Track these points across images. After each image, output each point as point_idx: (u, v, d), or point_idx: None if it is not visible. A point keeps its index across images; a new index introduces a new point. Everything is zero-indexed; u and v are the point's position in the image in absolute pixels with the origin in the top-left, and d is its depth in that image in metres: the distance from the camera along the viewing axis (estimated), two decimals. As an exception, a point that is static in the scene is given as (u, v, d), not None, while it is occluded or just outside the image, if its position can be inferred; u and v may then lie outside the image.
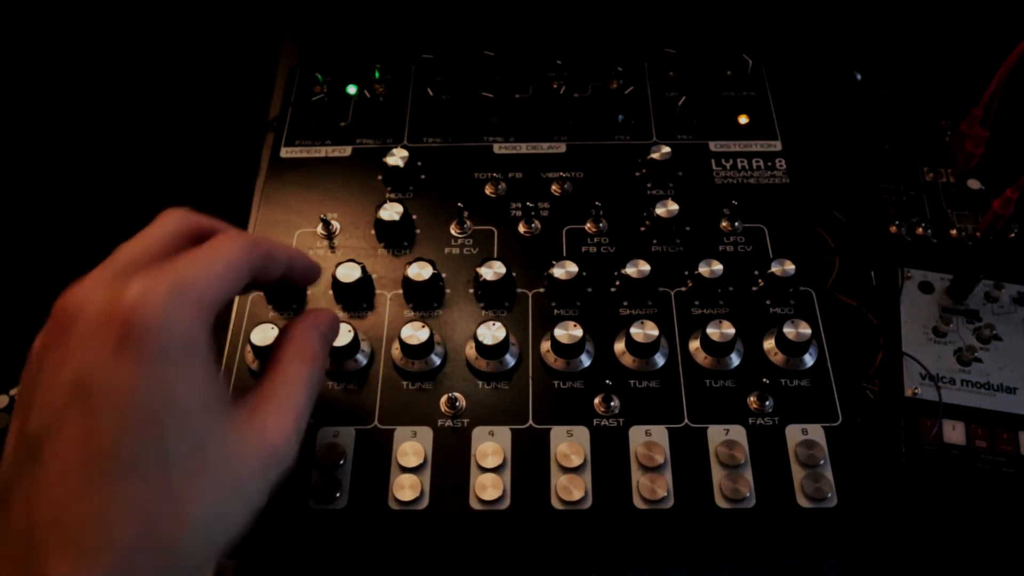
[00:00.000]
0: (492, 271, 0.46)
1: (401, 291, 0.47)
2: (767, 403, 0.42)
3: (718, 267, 0.46)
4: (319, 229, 0.50)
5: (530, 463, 0.41)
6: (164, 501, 0.28)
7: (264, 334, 0.43)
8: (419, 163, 0.53)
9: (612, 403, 0.43)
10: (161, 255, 0.32)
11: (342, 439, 0.42)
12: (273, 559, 0.46)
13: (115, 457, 0.27)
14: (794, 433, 0.42)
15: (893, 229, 0.54)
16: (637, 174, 0.52)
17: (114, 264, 0.31)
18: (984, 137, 0.55)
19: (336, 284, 0.46)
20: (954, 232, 0.54)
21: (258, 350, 0.43)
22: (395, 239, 0.49)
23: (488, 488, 0.40)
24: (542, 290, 0.47)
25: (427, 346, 0.43)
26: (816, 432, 0.42)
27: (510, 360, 0.44)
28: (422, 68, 0.58)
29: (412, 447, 0.41)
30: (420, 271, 0.45)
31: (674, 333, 0.45)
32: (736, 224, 0.49)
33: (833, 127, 0.59)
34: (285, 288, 0.39)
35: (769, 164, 0.53)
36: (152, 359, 0.28)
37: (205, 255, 0.31)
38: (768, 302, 0.46)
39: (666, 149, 0.52)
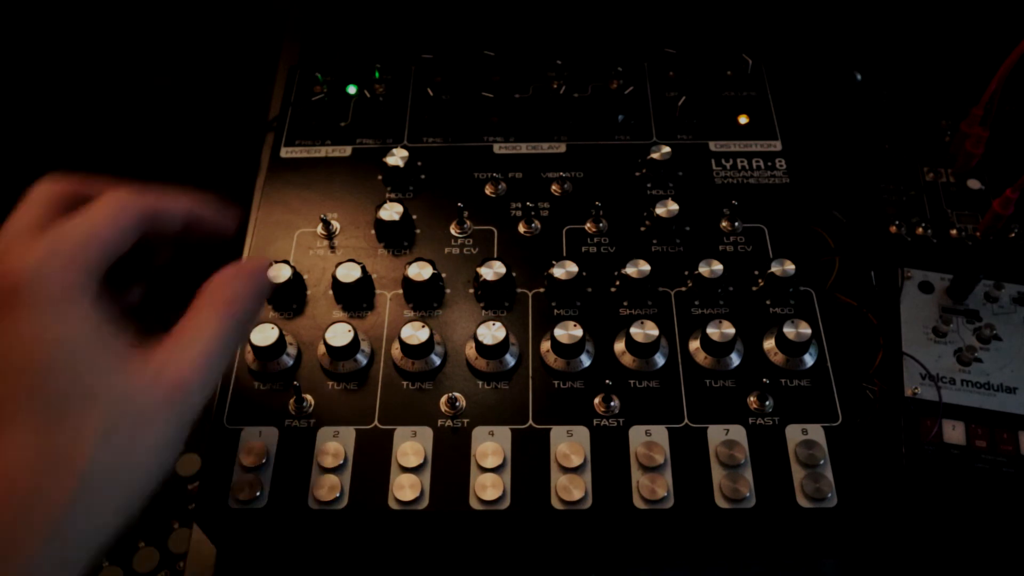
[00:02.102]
0: (492, 271, 0.46)
1: (401, 291, 0.47)
2: (767, 403, 0.42)
3: (718, 267, 0.46)
4: (319, 229, 0.50)
5: (530, 463, 0.41)
6: (59, 438, 0.28)
7: (264, 334, 0.43)
8: (419, 163, 0.53)
9: (612, 403, 0.43)
10: (38, 225, 0.32)
11: (342, 439, 0.42)
12: (274, 559, 0.46)
13: (2, 406, 0.29)
14: (794, 433, 0.42)
15: (893, 229, 0.54)
16: (637, 174, 0.52)
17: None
18: (984, 137, 0.55)
19: (336, 284, 0.46)
20: (954, 232, 0.54)
21: (258, 350, 0.43)
22: (395, 239, 0.49)
23: (488, 488, 0.40)
24: (542, 290, 0.47)
25: (427, 346, 0.43)
26: (816, 432, 0.42)
27: (510, 360, 0.44)
28: (422, 68, 0.58)
29: (412, 447, 0.41)
30: (420, 271, 0.45)
31: (674, 333, 0.45)
32: (736, 224, 0.49)
33: (833, 127, 0.59)
34: (200, 243, 0.38)
35: (769, 164, 0.53)
36: (28, 314, 0.29)
37: (82, 216, 0.32)
38: (768, 302, 0.46)
39: (666, 149, 0.52)
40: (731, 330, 0.43)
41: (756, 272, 0.47)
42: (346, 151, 0.54)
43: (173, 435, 0.31)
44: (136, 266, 0.37)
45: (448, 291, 0.47)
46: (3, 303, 0.30)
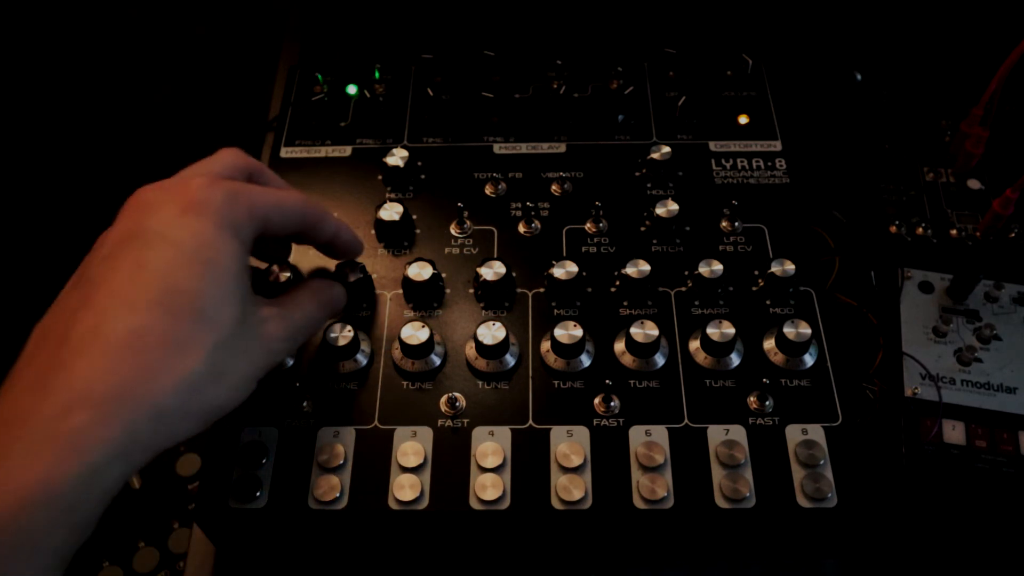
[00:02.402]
0: (492, 271, 0.46)
1: (401, 291, 0.47)
2: (767, 403, 0.42)
3: (718, 267, 0.46)
4: (319, 229, 0.50)
5: (530, 463, 0.41)
6: (182, 337, 0.33)
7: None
8: (419, 163, 0.53)
9: (612, 403, 0.43)
10: (223, 175, 0.38)
11: (342, 439, 0.42)
12: (274, 559, 0.46)
13: (155, 290, 0.33)
14: (794, 433, 0.42)
15: (893, 229, 0.54)
16: (637, 174, 0.52)
17: (179, 175, 0.38)
18: (984, 137, 0.55)
19: (336, 284, 0.46)
20: (954, 232, 0.54)
21: None
22: (395, 239, 0.49)
23: (488, 488, 0.40)
24: (542, 290, 0.47)
25: (427, 346, 0.43)
26: (816, 432, 0.42)
27: (510, 360, 0.44)
28: (422, 68, 0.58)
29: (412, 447, 0.41)
30: (420, 271, 0.45)
31: (674, 333, 0.45)
32: (736, 224, 0.49)
33: (833, 127, 0.59)
34: (332, 253, 0.44)
35: (769, 164, 0.53)
36: (207, 227, 0.34)
37: (266, 188, 0.39)
38: (768, 302, 0.46)
39: (666, 149, 0.52)
40: (731, 330, 0.43)
41: (756, 272, 0.47)
42: (346, 151, 0.54)
43: (249, 382, 0.36)
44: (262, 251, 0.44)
45: (448, 291, 0.47)
46: (188, 205, 0.34)
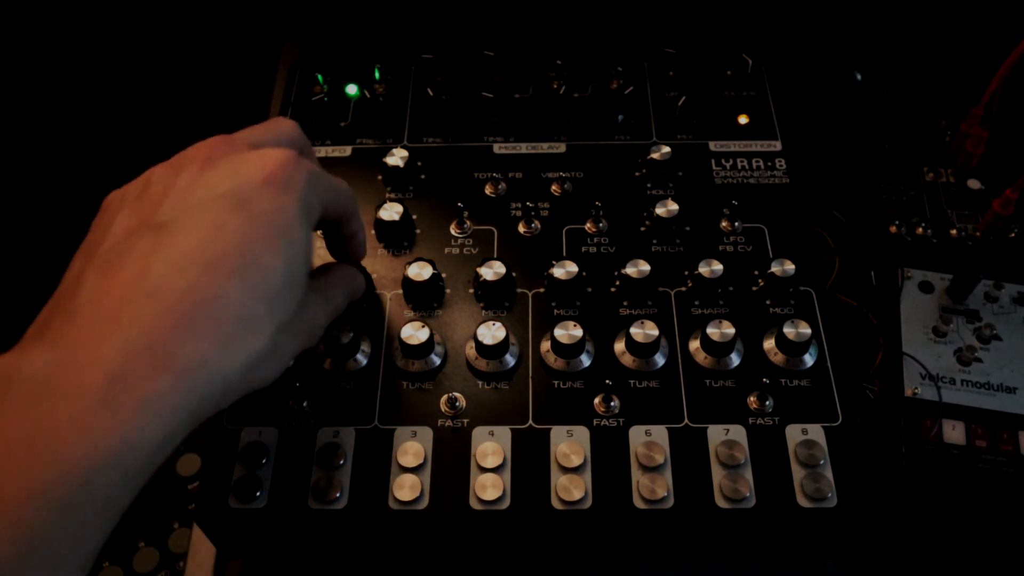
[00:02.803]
0: (492, 271, 0.46)
1: (401, 291, 0.47)
2: (767, 403, 0.42)
3: (718, 267, 0.46)
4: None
5: (530, 463, 0.41)
6: (255, 314, 0.32)
7: None
8: (419, 163, 0.53)
9: (612, 403, 0.43)
10: (295, 147, 0.38)
11: (342, 439, 0.42)
12: (274, 559, 0.46)
13: (235, 256, 0.32)
14: (794, 433, 0.42)
15: (893, 229, 0.54)
16: (637, 174, 0.52)
17: (245, 139, 0.37)
18: (984, 137, 0.55)
19: (336, 284, 0.46)
20: (954, 232, 0.54)
21: None
22: (395, 239, 0.49)
23: (488, 488, 0.40)
24: (542, 290, 0.47)
25: (427, 346, 0.43)
26: (816, 432, 0.42)
27: (510, 360, 0.44)
28: (422, 68, 0.58)
29: (412, 447, 0.41)
30: (420, 271, 0.45)
31: (674, 333, 0.45)
32: (736, 224, 0.49)
33: (833, 127, 0.59)
34: (343, 251, 0.44)
35: (769, 164, 0.53)
36: (290, 205, 0.34)
37: (326, 172, 0.38)
38: (768, 302, 0.46)
39: (666, 149, 0.52)
40: (731, 330, 0.43)
41: (756, 272, 0.47)
42: (346, 151, 0.54)
43: (290, 361, 0.37)
44: None
45: (448, 291, 0.47)
46: (274, 175, 0.34)
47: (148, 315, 0.30)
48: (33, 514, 0.26)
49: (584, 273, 0.46)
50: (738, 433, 0.42)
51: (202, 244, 0.31)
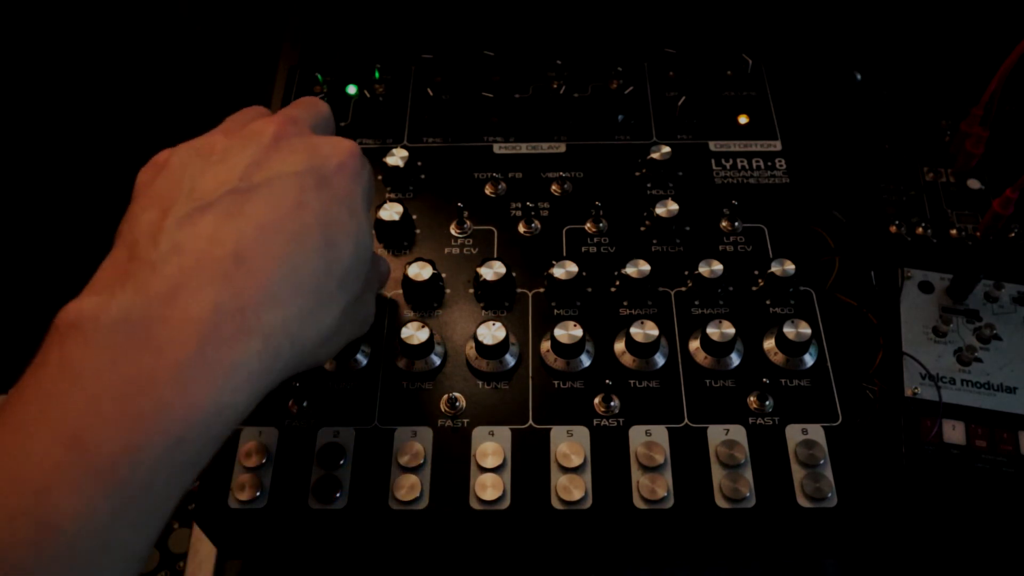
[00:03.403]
0: (492, 271, 0.46)
1: (401, 291, 0.47)
2: (767, 403, 0.42)
3: (718, 267, 0.46)
4: (319, 229, 0.50)
5: (530, 463, 0.41)
6: (330, 290, 0.33)
7: None
8: (419, 163, 0.53)
9: (612, 403, 0.43)
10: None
11: (342, 439, 0.42)
12: (274, 559, 0.46)
13: (315, 232, 0.32)
14: (794, 433, 0.42)
15: (893, 229, 0.54)
16: (637, 174, 0.52)
17: (297, 115, 0.37)
18: (984, 137, 0.55)
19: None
20: (954, 232, 0.54)
21: None
22: (395, 239, 0.49)
23: (488, 488, 0.40)
24: (542, 290, 0.47)
25: (427, 346, 0.43)
26: (816, 432, 0.42)
27: (510, 360, 0.44)
28: (422, 68, 0.58)
29: (412, 447, 0.41)
30: (420, 271, 0.45)
31: (674, 333, 0.45)
32: (736, 224, 0.49)
33: (833, 127, 0.59)
34: None
35: (769, 164, 0.53)
36: (360, 190, 0.35)
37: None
38: (768, 302, 0.46)
39: (666, 149, 0.52)
40: (731, 330, 0.43)
41: (756, 272, 0.47)
42: (346, 151, 0.54)
43: (341, 348, 0.38)
44: None
45: (448, 291, 0.47)
46: (340, 165, 0.35)
47: (238, 277, 0.30)
48: (128, 470, 0.26)
49: (584, 273, 0.46)
50: (738, 433, 0.42)
51: (286, 215, 0.32)
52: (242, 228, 0.30)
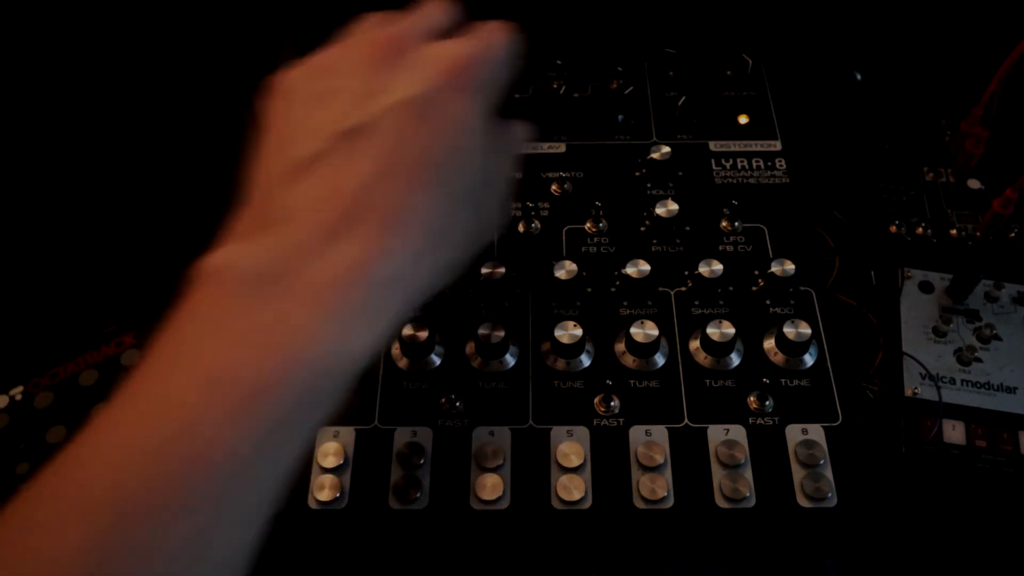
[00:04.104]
0: (492, 271, 0.46)
1: (401, 291, 0.47)
2: (767, 403, 0.42)
3: (718, 267, 0.46)
4: (319, 229, 0.49)
5: (530, 463, 0.41)
6: (437, 222, 0.32)
7: None
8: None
9: (612, 403, 0.43)
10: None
11: (341, 439, 0.42)
12: (273, 560, 0.46)
13: (422, 167, 0.32)
14: (794, 433, 0.42)
15: (893, 229, 0.54)
16: (637, 174, 0.52)
17: (422, 23, 0.36)
18: (984, 137, 0.55)
19: (336, 284, 0.46)
20: (954, 232, 0.54)
21: None
22: (395, 239, 0.49)
23: (488, 488, 0.40)
24: (542, 290, 0.47)
25: (427, 346, 0.43)
26: (816, 432, 0.42)
27: (510, 360, 0.44)
28: (422, 68, 0.58)
29: (412, 447, 0.41)
30: (420, 271, 0.45)
31: (674, 333, 0.45)
32: (736, 224, 0.49)
33: (833, 127, 0.59)
34: None
35: (769, 164, 0.53)
36: (472, 106, 0.34)
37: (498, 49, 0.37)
38: (768, 302, 0.46)
39: (666, 149, 0.52)
40: (731, 330, 0.43)
41: (756, 272, 0.47)
42: (346, 151, 0.54)
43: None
44: None
45: (448, 291, 0.47)
46: (464, 83, 0.33)
47: (360, 225, 0.30)
48: (266, 406, 0.27)
49: (584, 273, 0.46)
50: (738, 433, 0.42)
51: (398, 155, 0.32)
52: (359, 174, 0.31)
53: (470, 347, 0.44)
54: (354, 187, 0.31)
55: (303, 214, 0.30)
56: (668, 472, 0.41)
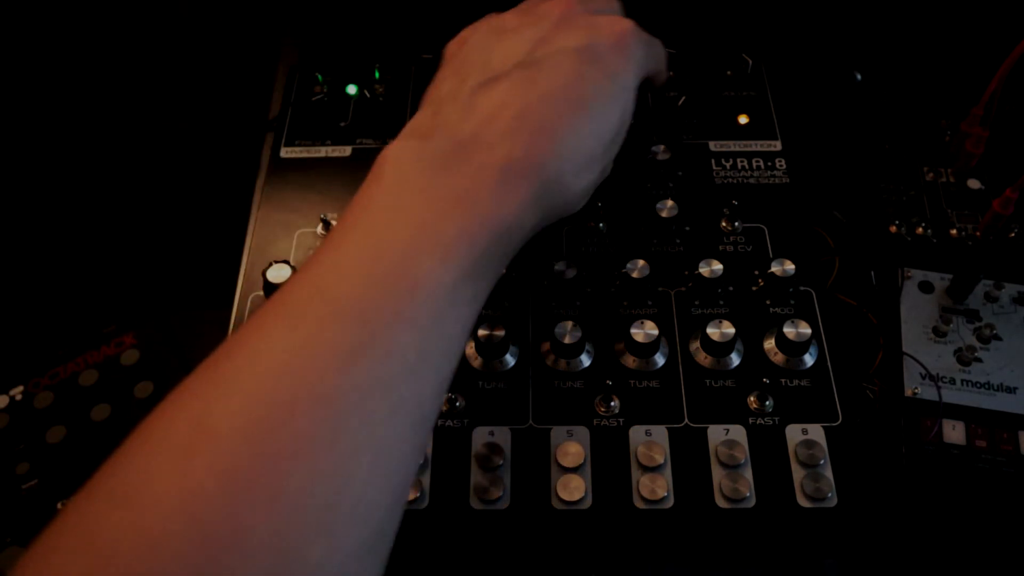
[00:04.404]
0: (492, 271, 0.46)
1: (401, 291, 0.47)
2: (767, 403, 0.42)
3: (718, 267, 0.46)
4: (319, 229, 0.50)
5: (530, 463, 0.41)
6: (593, 149, 0.37)
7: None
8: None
9: (612, 403, 0.43)
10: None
11: (342, 439, 0.42)
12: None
13: (590, 101, 0.37)
14: (794, 433, 0.42)
15: (893, 229, 0.54)
16: (637, 174, 0.52)
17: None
18: (984, 137, 0.55)
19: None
20: (954, 232, 0.54)
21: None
22: (395, 239, 0.49)
23: (488, 488, 0.40)
24: (543, 290, 0.47)
25: (427, 346, 0.43)
26: (816, 432, 0.42)
27: (510, 360, 0.44)
28: (422, 68, 0.58)
29: (412, 447, 0.41)
30: (420, 271, 0.45)
31: (674, 333, 0.45)
32: (736, 224, 0.49)
33: (833, 127, 0.59)
34: None
35: (769, 164, 0.53)
36: (631, 67, 0.39)
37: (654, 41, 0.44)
38: (768, 302, 0.46)
39: (666, 149, 0.52)
40: (731, 330, 0.43)
41: (756, 272, 0.47)
42: (346, 151, 0.54)
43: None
44: None
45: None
46: (623, 43, 0.39)
47: (523, 134, 0.35)
48: (465, 250, 0.32)
49: (584, 273, 0.46)
50: (738, 433, 0.42)
51: (564, 86, 0.36)
52: (527, 96, 0.36)
53: (470, 347, 0.44)
54: (527, 103, 0.35)
55: (477, 119, 0.35)
56: (668, 472, 0.41)
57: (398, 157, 0.35)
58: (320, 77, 0.57)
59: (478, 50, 0.40)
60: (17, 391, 0.50)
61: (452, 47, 0.42)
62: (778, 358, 0.44)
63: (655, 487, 0.40)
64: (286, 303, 0.31)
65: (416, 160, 0.34)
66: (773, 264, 0.46)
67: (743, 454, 0.41)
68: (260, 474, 0.26)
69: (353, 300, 0.30)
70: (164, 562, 0.24)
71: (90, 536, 0.25)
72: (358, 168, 0.53)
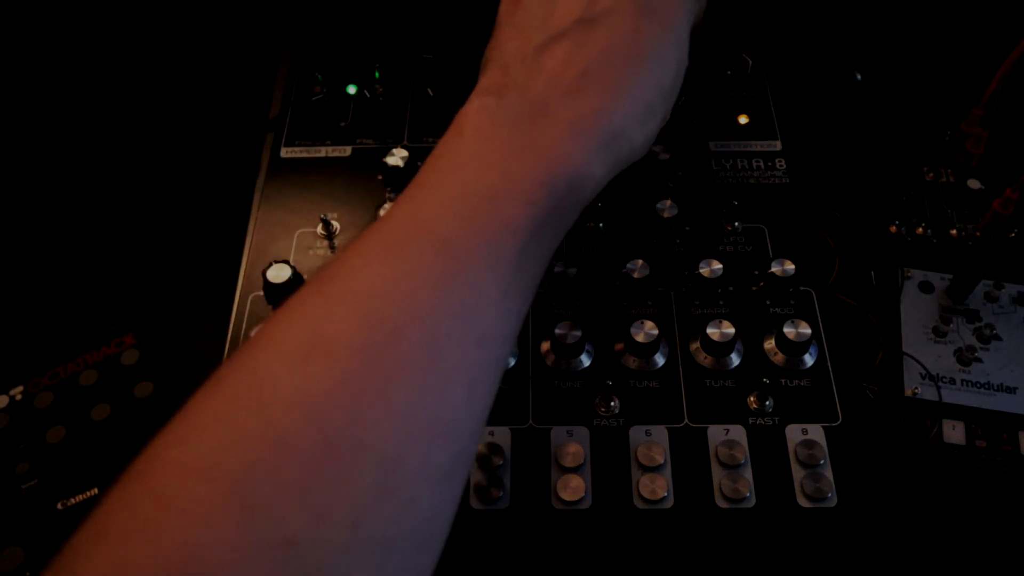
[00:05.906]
0: (492, 271, 0.46)
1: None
2: (767, 403, 0.42)
3: (718, 267, 0.46)
4: (319, 229, 0.50)
5: (530, 463, 0.41)
6: (653, 100, 0.38)
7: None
8: (419, 163, 0.52)
9: (612, 403, 0.43)
10: None
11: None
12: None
13: (648, 53, 0.38)
14: (794, 433, 0.42)
15: (893, 229, 0.54)
16: (637, 174, 0.52)
17: None
18: (984, 137, 0.55)
19: (336, 284, 0.46)
20: (954, 232, 0.54)
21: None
22: (395, 239, 0.49)
23: (489, 488, 0.40)
24: (543, 290, 0.47)
25: (427, 346, 0.43)
26: (816, 432, 0.42)
27: (511, 360, 0.44)
28: (422, 68, 0.58)
29: (412, 447, 0.41)
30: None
31: (674, 333, 0.45)
32: (736, 224, 0.49)
33: (833, 127, 0.59)
34: None
35: (769, 164, 0.53)
36: (684, 16, 0.40)
37: None
38: (768, 302, 0.46)
39: (666, 149, 0.52)
40: (731, 330, 0.43)
41: (756, 272, 0.47)
42: (346, 151, 0.54)
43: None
44: None
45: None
46: (661, 1, 0.40)
47: (588, 90, 0.36)
48: (544, 196, 0.33)
49: (584, 273, 0.46)
50: (738, 433, 0.42)
51: (623, 41, 0.38)
52: (589, 53, 0.37)
53: (470, 347, 0.44)
54: (590, 58, 0.37)
55: (545, 78, 0.37)
56: (668, 472, 0.41)
57: (477, 114, 0.36)
58: (320, 77, 0.57)
59: (536, 8, 0.41)
60: (17, 391, 0.50)
61: (507, 6, 0.43)
62: (778, 358, 0.44)
63: (655, 487, 0.40)
64: (384, 232, 0.33)
65: (492, 117, 0.36)
66: (773, 264, 0.46)
67: (743, 454, 0.41)
68: (373, 385, 0.28)
69: (447, 235, 0.32)
70: (289, 455, 0.26)
71: (221, 418, 0.27)
72: (358, 168, 0.53)
